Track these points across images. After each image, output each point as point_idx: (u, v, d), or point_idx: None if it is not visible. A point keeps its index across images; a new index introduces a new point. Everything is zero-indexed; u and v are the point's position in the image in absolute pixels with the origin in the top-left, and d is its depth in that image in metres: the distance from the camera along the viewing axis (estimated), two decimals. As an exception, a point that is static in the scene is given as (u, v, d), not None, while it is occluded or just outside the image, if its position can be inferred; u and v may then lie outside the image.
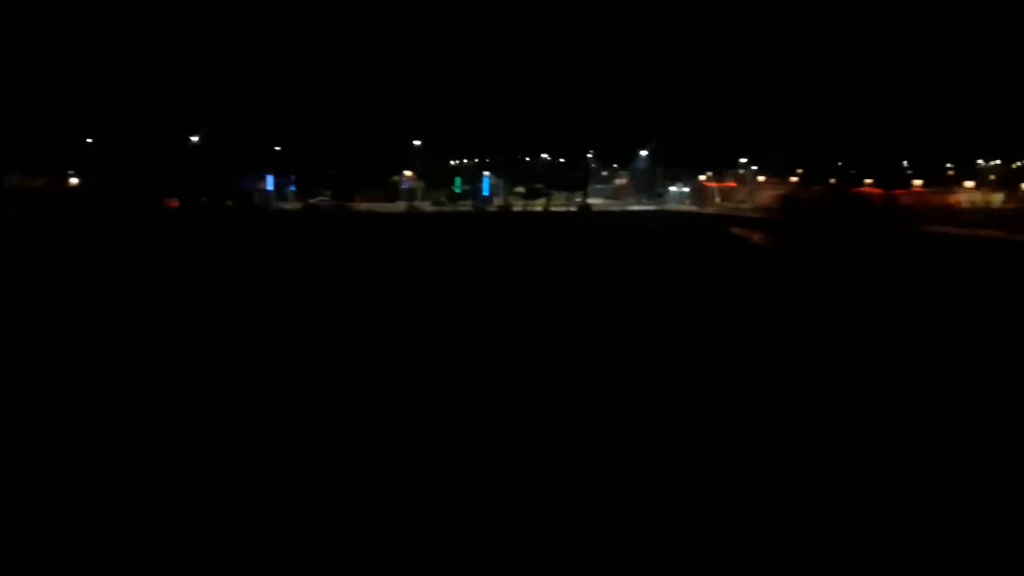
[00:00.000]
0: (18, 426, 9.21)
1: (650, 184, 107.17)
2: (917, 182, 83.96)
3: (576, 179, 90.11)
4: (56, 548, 6.65)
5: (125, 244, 37.50)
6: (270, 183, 78.97)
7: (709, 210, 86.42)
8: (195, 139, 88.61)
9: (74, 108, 76.98)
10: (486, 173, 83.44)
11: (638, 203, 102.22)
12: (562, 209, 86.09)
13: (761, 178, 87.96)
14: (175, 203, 74.68)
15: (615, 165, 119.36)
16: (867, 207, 64.61)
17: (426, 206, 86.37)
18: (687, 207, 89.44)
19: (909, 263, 33.85)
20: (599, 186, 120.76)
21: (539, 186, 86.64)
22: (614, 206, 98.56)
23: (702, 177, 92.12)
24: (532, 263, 33.73)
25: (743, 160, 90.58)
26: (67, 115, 75.24)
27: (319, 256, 36.54)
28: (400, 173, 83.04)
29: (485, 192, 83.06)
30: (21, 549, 6.58)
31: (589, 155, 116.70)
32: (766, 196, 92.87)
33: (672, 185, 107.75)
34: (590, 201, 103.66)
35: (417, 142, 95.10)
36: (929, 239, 47.43)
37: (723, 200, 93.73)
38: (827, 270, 32.90)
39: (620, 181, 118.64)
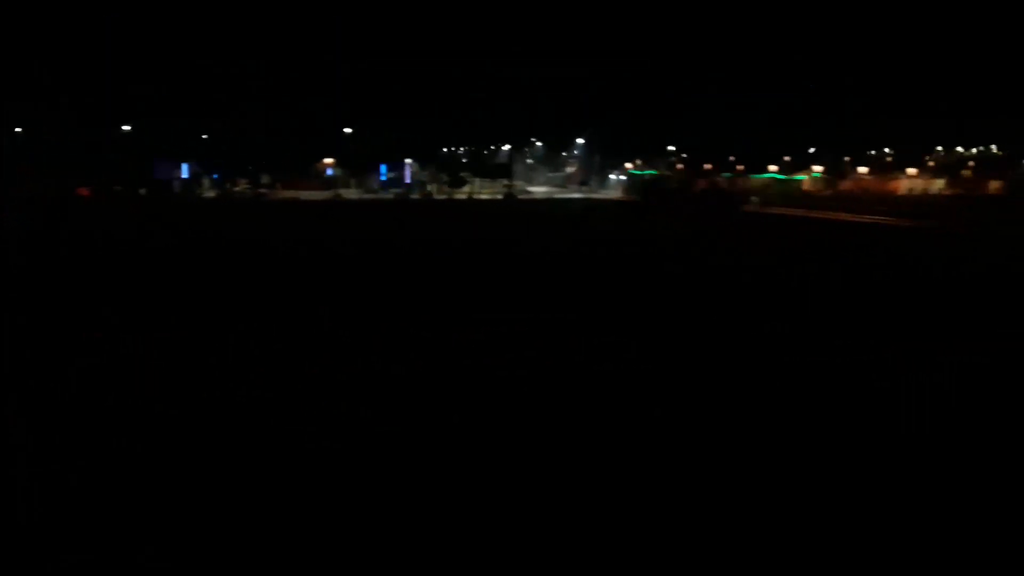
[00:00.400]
0: (18, 426, 9.17)
1: (591, 172, 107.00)
2: (818, 168, 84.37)
3: (500, 167, 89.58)
4: (56, 548, 6.41)
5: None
6: (185, 171, 78.11)
7: (634, 197, 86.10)
8: (126, 128, 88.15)
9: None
10: (408, 160, 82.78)
11: (577, 191, 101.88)
12: (487, 197, 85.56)
13: (680, 166, 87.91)
14: (87, 192, 73.97)
15: (564, 153, 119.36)
16: (720, 193, 65.34)
17: (352, 194, 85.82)
18: (616, 195, 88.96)
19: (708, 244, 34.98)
20: (551, 174, 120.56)
21: (464, 174, 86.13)
22: (556, 194, 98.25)
23: (629, 165, 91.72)
24: (434, 252, 33.58)
25: (671, 149, 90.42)
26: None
27: (216, 247, 35.86)
28: (322, 161, 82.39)
29: (407, 180, 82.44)
30: (21, 549, 6.44)
31: (539, 143, 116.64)
32: (699, 184, 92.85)
33: (612, 173, 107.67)
34: (533, 189, 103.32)
35: (348, 130, 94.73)
36: (762, 222, 48.27)
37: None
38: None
39: (570, 169, 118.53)
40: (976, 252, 34.08)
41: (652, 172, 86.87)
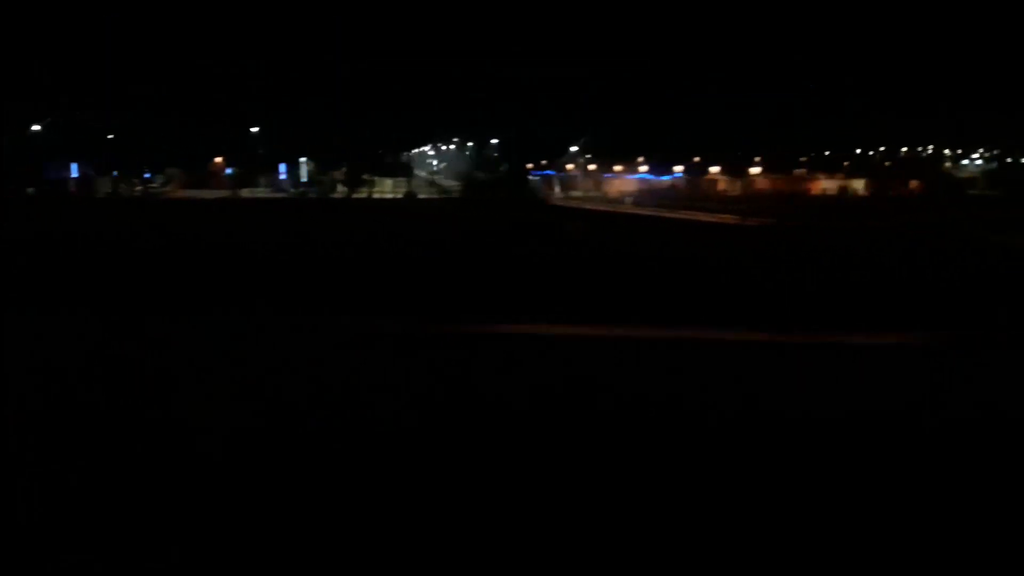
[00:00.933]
0: (18, 426, 9.28)
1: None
2: (678, 168, 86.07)
3: (400, 166, 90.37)
4: (56, 548, 6.48)
5: None
6: (74, 171, 78.61)
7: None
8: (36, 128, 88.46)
9: None
10: (303, 159, 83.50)
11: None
12: (389, 196, 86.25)
13: (592, 166, 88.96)
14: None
15: (495, 154, 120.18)
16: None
17: (258, 193, 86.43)
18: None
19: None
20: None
21: (367, 175, 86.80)
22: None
23: (530, 165, 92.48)
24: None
25: (573, 149, 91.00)
26: None
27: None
28: (214, 160, 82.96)
29: (303, 179, 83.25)
30: (21, 549, 6.49)
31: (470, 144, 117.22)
32: (613, 187, 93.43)
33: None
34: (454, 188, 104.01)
35: (255, 128, 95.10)
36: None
37: (563, 190, 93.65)
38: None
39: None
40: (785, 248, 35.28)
41: (550, 172, 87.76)
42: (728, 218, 52.99)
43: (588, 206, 63.98)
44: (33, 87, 79.27)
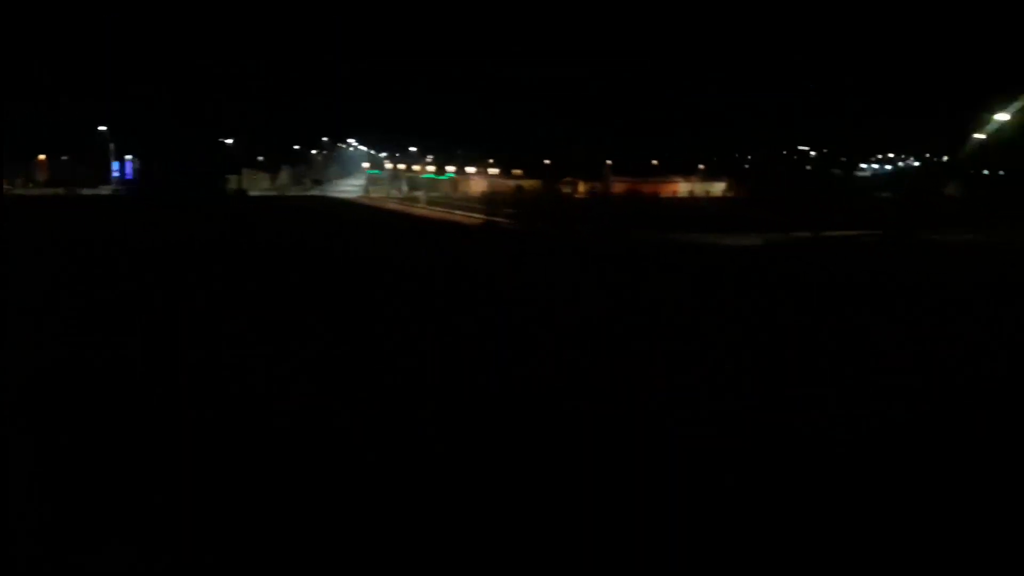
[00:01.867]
0: (18, 425, 9.18)
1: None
2: (451, 168, 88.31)
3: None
4: (56, 548, 6.51)
5: None
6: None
7: (375, 196, 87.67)
8: None
9: None
10: (128, 156, 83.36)
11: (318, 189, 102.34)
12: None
13: (390, 165, 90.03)
14: None
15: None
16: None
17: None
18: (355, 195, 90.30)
19: None
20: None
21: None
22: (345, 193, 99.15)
23: (366, 165, 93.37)
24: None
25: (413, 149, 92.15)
26: None
27: None
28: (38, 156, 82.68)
29: (128, 175, 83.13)
30: (21, 549, 6.50)
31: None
32: (473, 186, 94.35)
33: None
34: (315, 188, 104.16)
35: (103, 128, 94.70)
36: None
37: (412, 189, 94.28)
38: None
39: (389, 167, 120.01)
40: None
41: (376, 172, 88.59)
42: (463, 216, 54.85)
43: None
44: None
